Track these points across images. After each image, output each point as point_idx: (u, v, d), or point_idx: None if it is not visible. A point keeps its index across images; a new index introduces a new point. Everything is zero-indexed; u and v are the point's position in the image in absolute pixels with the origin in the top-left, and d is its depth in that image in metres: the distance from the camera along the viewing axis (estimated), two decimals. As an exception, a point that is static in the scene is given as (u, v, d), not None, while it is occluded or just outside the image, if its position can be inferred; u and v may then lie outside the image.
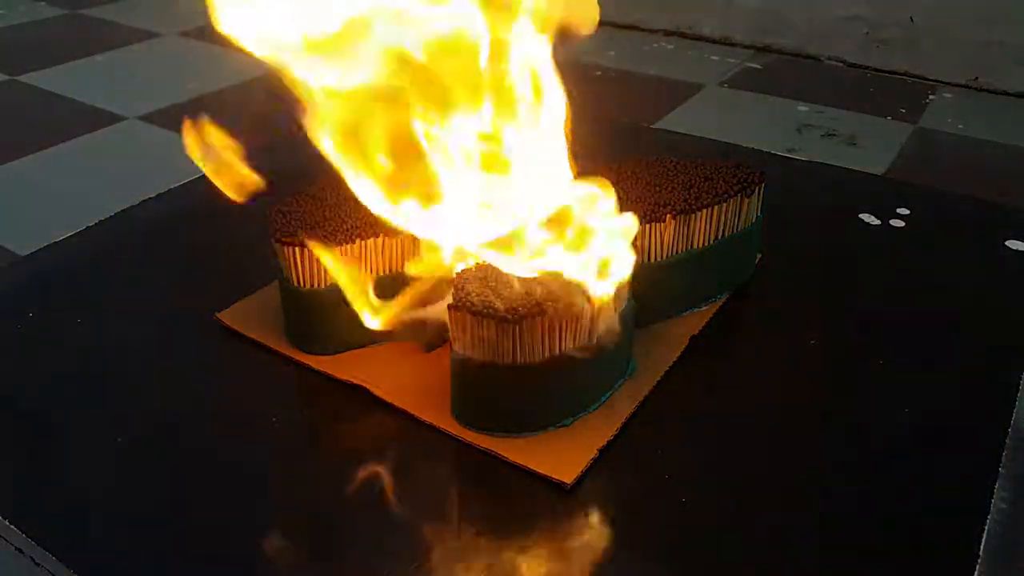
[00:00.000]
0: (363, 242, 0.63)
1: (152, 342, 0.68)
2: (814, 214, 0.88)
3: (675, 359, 0.65)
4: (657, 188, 0.69)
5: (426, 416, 0.60)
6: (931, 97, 2.27)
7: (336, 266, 0.58)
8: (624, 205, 0.66)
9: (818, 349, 0.68)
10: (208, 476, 0.56)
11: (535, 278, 0.57)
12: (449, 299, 0.57)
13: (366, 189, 0.54)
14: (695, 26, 2.65)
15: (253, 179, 0.61)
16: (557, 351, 0.56)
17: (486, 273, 0.58)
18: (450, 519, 0.54)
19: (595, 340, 0.58)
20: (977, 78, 2.32)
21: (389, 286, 0.65)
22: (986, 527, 0.51)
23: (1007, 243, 0.82)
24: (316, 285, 0.63)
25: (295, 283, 0.64)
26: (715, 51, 2.57)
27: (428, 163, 0.53)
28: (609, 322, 0.58)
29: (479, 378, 0.58)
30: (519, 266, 0.56)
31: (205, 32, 2.63)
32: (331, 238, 0.62)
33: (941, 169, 1.87)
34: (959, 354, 0.68)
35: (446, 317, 0.57)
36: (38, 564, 0.51)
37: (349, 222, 0.64)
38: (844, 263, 0.80)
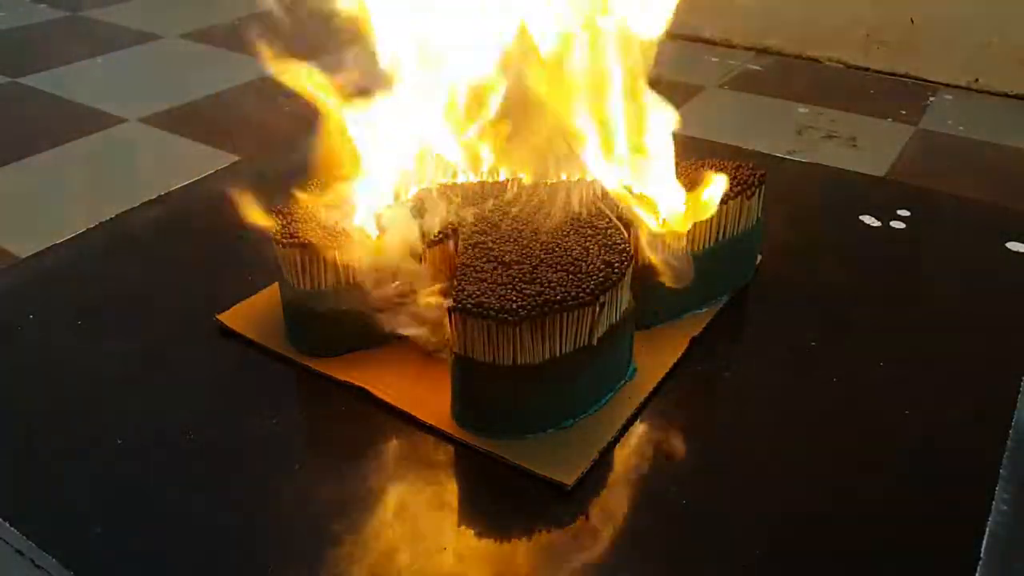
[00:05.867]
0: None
1: (153, 344, 0.68)
2: (814, 216, 0.88)
3: (675, 361, 0.65)
4: (657, 189, 0.69)
5: (426, 418, 0.60)
6: (931, 99, 2.27)
7: None
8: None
9: (818, 351, 0.68)
10: (208, 478, 0.56)
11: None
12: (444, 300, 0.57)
13: None
14: (695, 28, 2.65)
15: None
16: (557, 352, 0.56)
17: (487, 262, 0.58)
18: (451, 521, 0.54)
19: (595, 340, 0.58)
20: (978, 79, 2.32)
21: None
22: (987, 528, 0.51)
23: (1007, 245, 0.82)
24: (317, 287, 0.63)
25: (295, 284, 0.63)
26: (715, 53, 2.57)
27: None
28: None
29: (479, 379, 0.58)
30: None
31: (205, 34, 2.63)
32: (331, 239, 0.62)
33: (941, 171, 1.87)
34: (959, 355, 0.68)
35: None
36: (38, 566, 0.51)
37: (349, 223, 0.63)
38: (844, 265, 0.80)
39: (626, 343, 0.63)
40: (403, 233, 0.62)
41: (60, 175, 1.79)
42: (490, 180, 0.71)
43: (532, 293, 0.55)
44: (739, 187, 0.68)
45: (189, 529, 0.52)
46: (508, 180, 0.70)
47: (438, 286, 0.62)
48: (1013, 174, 1.88)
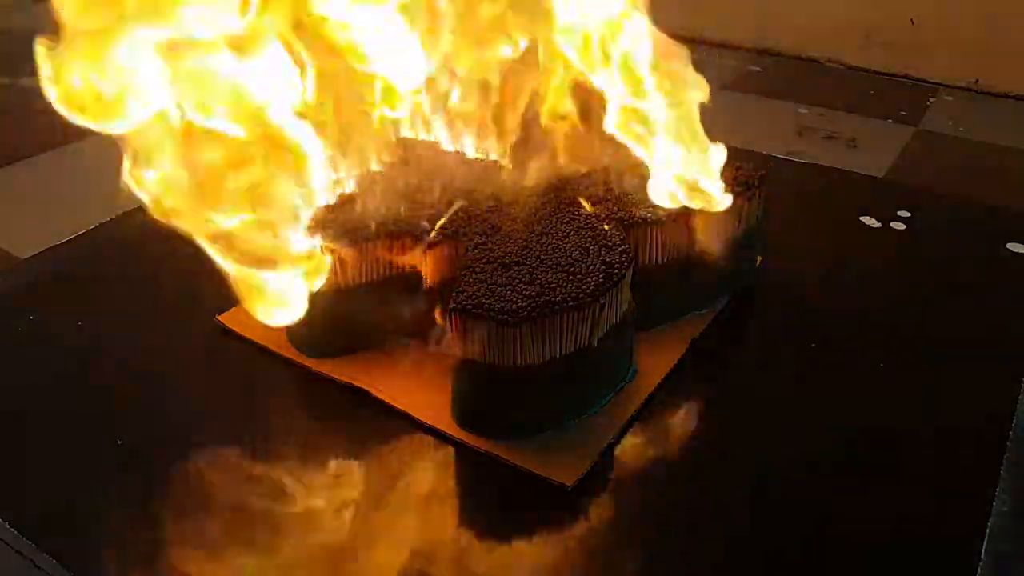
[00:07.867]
0: (363, 244, 0.63)
1: (153, 345, 0.68)
2: (815, 217, 0.88)
3: (676, 362, 0.65)
4: (657, 190, 0.69)
5: (426, 418, 0.60)
6: (932, 99, 2.27)
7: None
8: (624, 207, 0.66)
9: (819, 352, 0.68)
10: (208, 479, 0.56)
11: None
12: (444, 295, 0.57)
13: None
14: (695, 29, 2.65)
15: None
16: (557, 353, 0.56)
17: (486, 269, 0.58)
18: (451, 522, 0.54)
19: (595, 341, 0.58)
20: (978, 80, 2.32)
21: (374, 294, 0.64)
22: (987, 528, 0.51)
23: (1007, 245, 0.82)
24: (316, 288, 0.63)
25: (295, 285, 0.63)
26: (715, 54, 2.57)
27: None
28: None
29: (479, 380, 0.58)
30: None
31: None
32: (330, 240, 0.62)
33: (942, 172, 1.87)
34: (960, 357, 0.68)
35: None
36: (38, 567, 0.51)
37: (348, 224, 0.63)
38: (844, 266, 0.80)
39: (626, 344, 0.63)
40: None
41: (60, 175, 1.80)
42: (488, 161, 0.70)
43: (532, 294, 0.55)
44: (739, 188, 0.68)
45: (188, 531, 0.52)
46: (507, 171, 0.70)
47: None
48: (1013, 174, 1.88)
